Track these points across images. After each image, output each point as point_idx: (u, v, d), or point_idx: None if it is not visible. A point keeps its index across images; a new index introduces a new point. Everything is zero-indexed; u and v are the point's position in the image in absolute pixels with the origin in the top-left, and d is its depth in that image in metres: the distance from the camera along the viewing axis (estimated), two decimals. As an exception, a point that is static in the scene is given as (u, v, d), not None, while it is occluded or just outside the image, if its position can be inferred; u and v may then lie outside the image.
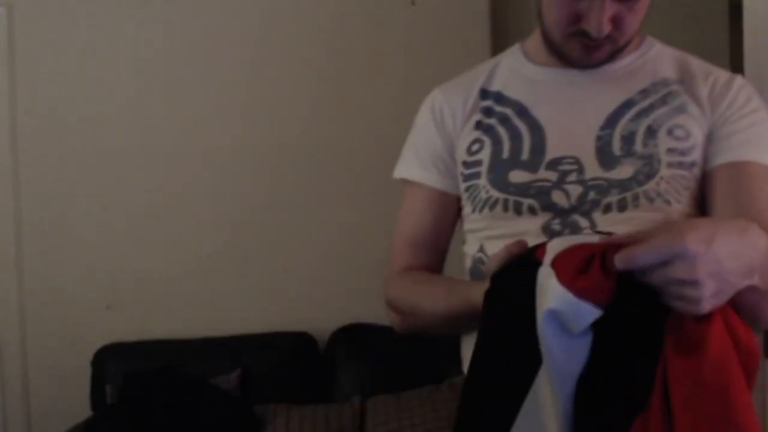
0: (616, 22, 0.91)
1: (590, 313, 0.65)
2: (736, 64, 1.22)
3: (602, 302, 0.65)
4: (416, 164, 1.08)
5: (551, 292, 0.66)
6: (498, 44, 2.54)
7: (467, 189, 1.01)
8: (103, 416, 2.19)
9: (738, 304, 0.69)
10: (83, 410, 2.34)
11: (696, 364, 0.65)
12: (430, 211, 1.06)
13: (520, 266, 0.75)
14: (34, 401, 2.50)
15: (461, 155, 1.03)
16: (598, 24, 0.89)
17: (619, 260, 0.65)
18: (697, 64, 1.01)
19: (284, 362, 2.41)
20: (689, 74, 0.99)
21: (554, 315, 0.66)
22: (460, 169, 1.03)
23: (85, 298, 2.50)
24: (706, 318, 0.65)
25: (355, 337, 2.47)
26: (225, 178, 2.54)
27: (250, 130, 2.54)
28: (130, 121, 2.52)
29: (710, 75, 0.98)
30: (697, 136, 0.93)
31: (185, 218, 2.53)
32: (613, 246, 0.67)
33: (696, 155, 0.93)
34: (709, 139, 0.94)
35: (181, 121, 2.53)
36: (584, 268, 0.66)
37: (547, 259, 0.69)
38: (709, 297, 0.63)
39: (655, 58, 1.02)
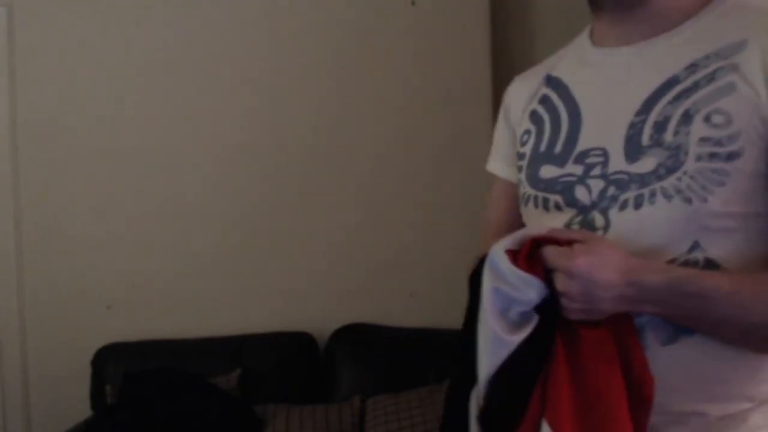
0: None
1: (534, 284, 0.78)
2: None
3: (542, 278, 0.78)
4: (494, 157, 1.11)
5: (501, 265, 0.79)
6: (498, 44, 2.54)
7: (519, 182, 1.02)
8: (103, 416, 2.19)
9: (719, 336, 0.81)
10: (83, 410, 2.34)
11: (574, 356, 0.79)
12: (504, 202, 1.07)
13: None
14: (34, 401, 2.50)
15: (517, 147, 1.03)
16: None
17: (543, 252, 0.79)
18: None
19: (284, 362, 2.41)
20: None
21: (499, 292, 0.79)
22: (518, 161, 1.03)
23: (85, 298, 2.50)
24: (592, 323, 0.79)
25: (355, 337, 2.47)
26: (225, 178, 2.54)
27: (249, 130, 2.54)
28: (130, 121, 2.52)
29: None
30: (746, 121, 0.79)
31: (185, 218, 2.53)
32: (547, 238, 0.80)
33: (740, 144, 0.79)
34: None
35: (181, 121, 2.53)
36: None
37: (501, 245, 0.81)
38: (575, 310, 0.78)
39: (723, 19, 0.86)
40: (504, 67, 2.46)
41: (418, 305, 2.50)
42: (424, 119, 2.50)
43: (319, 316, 2.52)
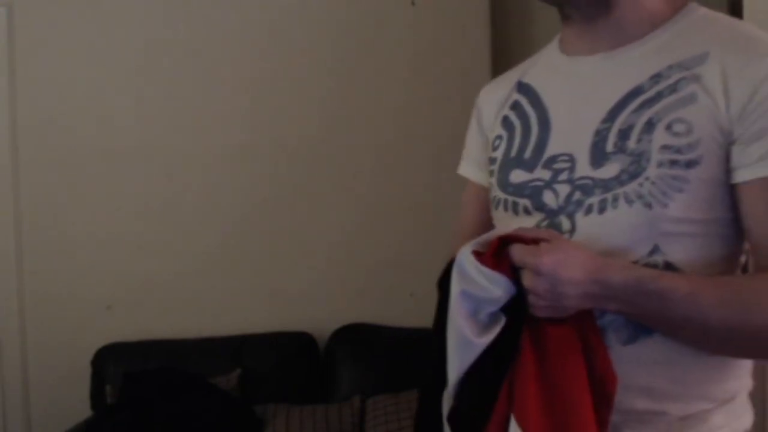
0: None
1: (501, 282, 0.79)
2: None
3: (510, 276, 0.80)
4: (465, 161, 1.13)
5: (467, 267, 0.80)
6: (498, 44, 2.55)
7: (490, 186, 1.03)
8: (103, 416, 2.19)
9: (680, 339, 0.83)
10: (83, 410, 2.34)
11: (541, 352, 0.81)
12: (475, 206, 1.09)
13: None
14: (34, 401, 2.50)
15: (489, 152, 1.04)
16: None
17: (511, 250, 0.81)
18: (749, 43, 0.84)
19: (284, 362, 2.41)
20: (728, 54, 0.83)
21: (467, 294, 0.80)
22: (489, 165, 1.05)
23: (85, 298, 2.50)
24: (557, 321, 0.80)
25: (355, 337, 2.47)
26: (225, 178, 2.54)
27: (249, 130, 2.54)
28: (130, 121, 2.52)
29: (749, 64, 0.81)
30: (705, 130, 0.82)
31: (185, 218, 2.53)
32: (514, 237, 0.82)
33: (699, 152, 0.82)
34: (729, 139, 0.82)
35: (181, 121, 2.53)
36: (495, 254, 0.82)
37: (468, 247, 0.83)
38: (541, 306, 0.80)
39: (689, 31, 0.88)
40: (504, 67, 2.45)
41: (418, 305, 2.49)
42: (424, 119, 2.51)
43: (319, 316, 2.52)
